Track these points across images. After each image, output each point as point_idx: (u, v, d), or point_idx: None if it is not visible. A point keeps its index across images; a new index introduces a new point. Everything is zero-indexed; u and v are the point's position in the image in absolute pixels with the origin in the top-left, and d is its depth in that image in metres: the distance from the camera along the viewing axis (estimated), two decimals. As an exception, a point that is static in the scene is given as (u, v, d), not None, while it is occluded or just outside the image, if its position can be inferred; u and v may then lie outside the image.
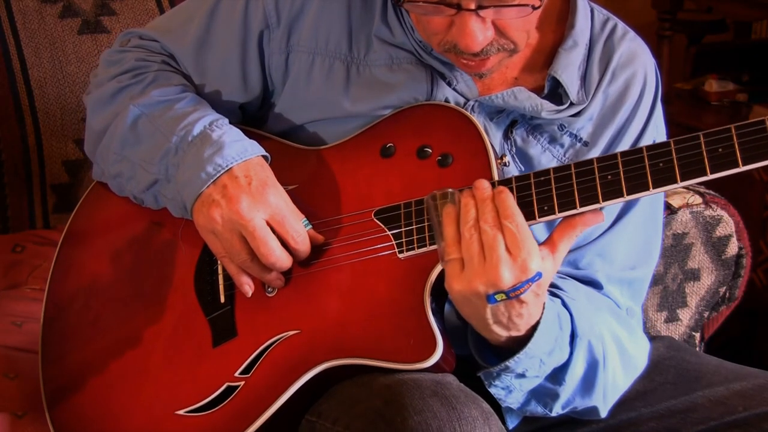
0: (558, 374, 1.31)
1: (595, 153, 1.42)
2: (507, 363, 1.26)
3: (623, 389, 1.41)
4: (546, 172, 1.25)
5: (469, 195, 1.21)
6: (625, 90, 1.43)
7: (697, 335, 1.94)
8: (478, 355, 1.32)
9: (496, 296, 1.17)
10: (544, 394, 1.33)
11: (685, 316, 1.92)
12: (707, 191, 1.89)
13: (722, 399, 1.42)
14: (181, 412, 1.32)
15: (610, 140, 1.43)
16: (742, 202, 2.05)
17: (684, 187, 1.87)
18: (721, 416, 1.39)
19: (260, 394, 1.28)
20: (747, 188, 2.71)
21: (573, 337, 1.31)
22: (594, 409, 1.38)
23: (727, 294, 1.92)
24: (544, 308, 1.24)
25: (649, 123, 1.45)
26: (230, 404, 1.29)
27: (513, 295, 1.17)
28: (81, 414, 1.39)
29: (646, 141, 1.45)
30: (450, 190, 1.24)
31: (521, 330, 1.24)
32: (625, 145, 1.43)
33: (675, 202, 1.85)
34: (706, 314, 1.93)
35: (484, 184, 1.22)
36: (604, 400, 1.37)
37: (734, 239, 1.87)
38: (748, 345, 2.74)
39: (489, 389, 1.30)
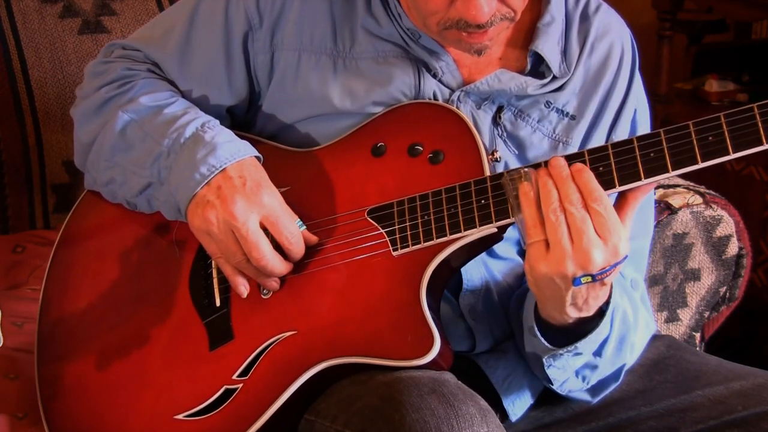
0: (599, 347, 1.33)
1: (582, 126, 1.44)
2: (577, 344, 1.29)
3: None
4: (537, 165, 1.25)
5: (545, 174, 1.21)
6: (605, 60, 1.45)
7: (698, 335, 1.94)
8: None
9: (582, 279, 1.18)
10: (585, 367, 1.36)
11: (686, 316, 1.92)
12: (707, 191, 1.90)
13: (721, 398, 1.42)
14: (179, 416, 1.32)
15: (596, 111, 1.45)
16: (742, 202, 2.05)
17: (684, 187, 1.88)
18: (721, 415, 1.40)
19: (259, 395, 1.28)
20: (747, 188, 2.71)
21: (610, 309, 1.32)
22: (620, 370, 1.40)
23: (728, 294, 1.92)
24: (611, 289, 1.26)
25: (630, 91, 1.47)
26: (229, 407, 1.29)
27: (599, 278, 1.18)
28: (77, 420, 1.39)
29: (628, 109, 1.47)
30: (525, 169, 1.24)
31: (591, 311, 1.26)
32: (609, 115, 1.45)
33: (675, 202, 1.85)
34: (706, 314, 1.93)
35: (560, 162, 1.21)
36: (631, 356, 1.41)
37: (734, 239, 1.87)
38: (748, 345, 2.74)
39: (547, 370, 1.33)
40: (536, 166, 1.25)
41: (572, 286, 1.19)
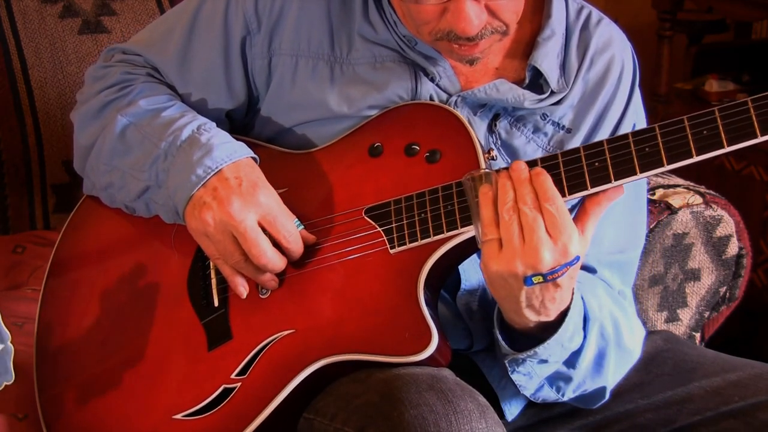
0: (572, 358, 1.33)
1: (578, 139, 1.44)
2: (536, 349, 1.28)
3: (622, 369, 1.43)
4: (533, 162, 1.26)
5: (506, 176, 1.22)
6: (604, 75, 1.45)
7: (698, 335, 1.94)
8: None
9: (533, 278, 1.18)
10: (558, 377, 1.35)
11: (686, 316, 1.91)
12: (707, 191, 1.89)
13: (718, 389, 1.43)
14: (178, 416, 1.31)
15: (593, 125, 1.45)
16: (742, 202, 2.05)
17: (684, 187, 1.88)
18: (717, 406, 1.40)
19: (257, 394, 1.27)
20: (747, 188, 2.71)
21: (585, 320, 1.32)
22: (602, 390, 1.40)
23: (728, 294, 1.92)
24: (573, 294, 1.25)
25: (629, 106, 1.47)
26: (228, 406, 1.29)
27: (550, 278, 1.19)
28: (76, 421, 1.39)
29: (626, 124, 1.47)
30: (487, 170, 1.25)
31: (551, 315, 1.25)
32: (606, 129, 1.45)
33: (675, 202, 1.85)
34: (706, 314, 1.93)
35: (521, 166, 1.23)
36: (613, 379, 1.40)
37: (734, 239, 1.87)
38: (748, 345, 2.74)
39: (512, 375, 1.32)
40: (498, 170, 1.25)
41: (524, 286, 1.20)
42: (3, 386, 1.07)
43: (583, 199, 1.26)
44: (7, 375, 1.06)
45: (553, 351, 1.29)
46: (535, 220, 1.18)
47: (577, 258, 1.19)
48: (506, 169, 1.24)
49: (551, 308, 1.24)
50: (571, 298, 1.26)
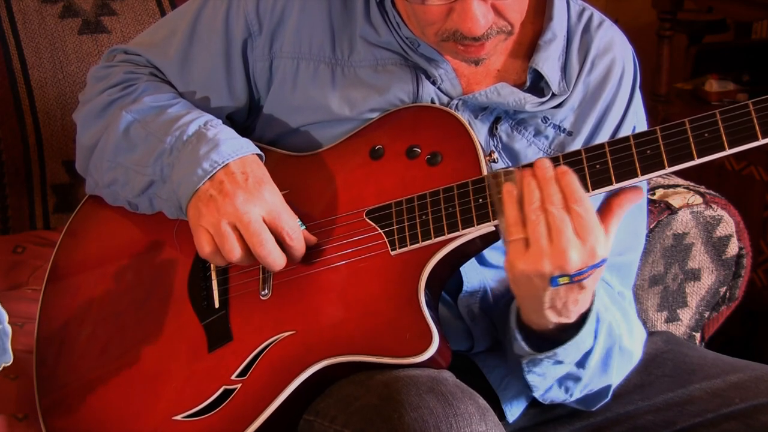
0: (582, 358, 1.32)
1: (579, 142, 1.44)
2: (556, 350, 1.28)
3: (623, 370, 1.43)
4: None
5: (530, 175, 1.21)
6: (605, 77, 1.45)
7: (698, 335, 1.94)
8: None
9: (559, 279, 1.18)
10: (567, 378, 1.35)
11: (686, 316, 1.91)
12: (708, 191, 1.89)
13: (719, 391, 1.43)
14: (178, 417, 1.31)
15: (593, 128, 1.45)
16: (742, 202, 2.05)
17: (684, 187, 1.88)
18: (718, 408, 1.40)
19: (258, 395, 1.27)
20: (747, 188, 2.71)
21: (596, 321, 1.32)
22: (607, 389, 1.40)
23: (728, 294, 1.92)
24: (593, 296, 1.25)
25: (629, 109, 1.47)
26: (228, 407, 1.29)
27: (577, 279, 1.18)
28: (76, 421, 1.39)
29: (627, 127, 1.47)
30: (510, 168, 1.24)
31: (571, 318, 1.25)
32: (607, 132, 1.45)
33: (675, 202, 1.85)
34: (706, 314, 1.93)
35: (545, 164, 1.21)
36: (617, 377, 1.40)
37: (735, 239, 1.87)
38: (748, 345, 2.74)
39: (526, 376, 1.32)
40: (521, 167, 1.25)
41: (550, 287, 1.19)
42: (1, 367, 1.08)
43: (606, 200, 1.25)
44: (6, 356, 1.06)
45: (570, 352, 1.29)
46: (563, 221, 1.17)
47: (604, 260, 1.19)
48: (529, 166, 1.23)
49: (573, 310, 1.24)
50: (591, 301, 1.25)
